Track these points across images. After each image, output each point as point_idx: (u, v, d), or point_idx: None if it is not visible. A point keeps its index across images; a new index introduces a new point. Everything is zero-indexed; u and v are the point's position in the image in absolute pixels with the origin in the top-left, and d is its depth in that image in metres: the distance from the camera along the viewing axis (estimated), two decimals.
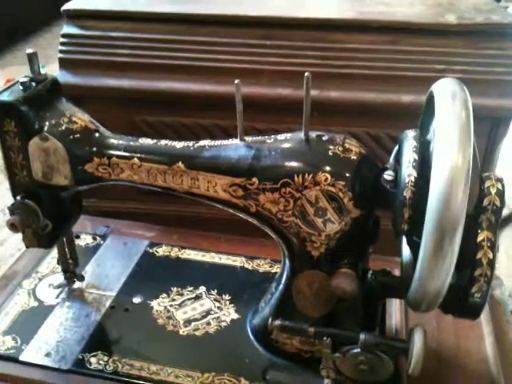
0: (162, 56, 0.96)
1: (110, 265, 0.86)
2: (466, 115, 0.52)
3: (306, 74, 0.58)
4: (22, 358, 0.70)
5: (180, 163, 0.63)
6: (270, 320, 0.66)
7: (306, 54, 0.94)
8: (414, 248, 0.58)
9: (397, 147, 0.61)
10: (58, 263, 0.81)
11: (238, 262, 0.86)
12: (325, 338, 0.63)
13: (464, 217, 0.50)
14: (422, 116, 0.64)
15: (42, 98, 0.66)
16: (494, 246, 0.56)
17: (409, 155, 0.56)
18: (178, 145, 0.65)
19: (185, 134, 0.99)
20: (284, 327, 0.65)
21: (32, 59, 0.66)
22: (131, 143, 0.66)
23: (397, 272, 0.78)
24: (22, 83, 0.65)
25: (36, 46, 2.65)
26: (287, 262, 0.66)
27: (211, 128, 0.98)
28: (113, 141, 0.66)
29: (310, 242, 0.61)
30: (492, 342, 0.71)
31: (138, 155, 0.64)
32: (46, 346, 0.72)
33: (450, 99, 0.54)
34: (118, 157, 0.65)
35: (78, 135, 0.65)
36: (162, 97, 0.96)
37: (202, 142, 0.64)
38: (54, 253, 0.83)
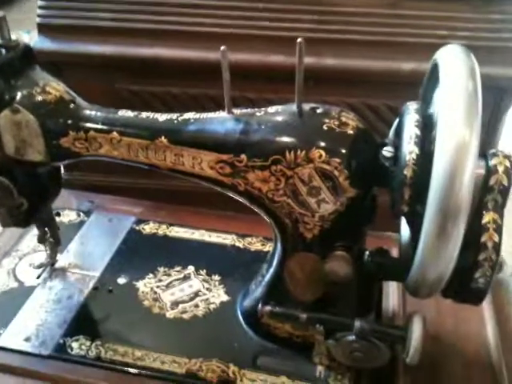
0: (146, 20, 0.90)
1: (94, 243, 0.82)
2: (473, 85, 0.48)
3: (299, 40, 0.52)
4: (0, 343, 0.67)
5: (163, 138, 0.58)
6: (259, 305, 0.62)
7: (300, 18, 0.88)
8: (415, 230, 0.54)
9: (397, 121, 0.57)
10: (39, 241, 0.77)
11: (228, 240, 0.82)
12: (318, 325, 0.59)
13: (470, 198, 0.46)
14: (424, 86, 0.59)
15: (13, 67, 0.61)
16: (499, 229, 0.52)
17: (410, 130, 0.51)
18: (161, 118, 0.60)
19: (172, 103, 0.94)
20: (275, 313, 0.61)
21: (1, 24, 0.61)
22: (110, 115, 0.61)
23: (394, 250, 0.74)
24: None
25: (21, 10, 2.56)
26: (279, 243, 0.62)
27: (200, 97, 0.93)
28: (90, 113, 0.61)
29: (302, 223, 0.57)
30: (493, 326, 0.68)
31: (118, 129, 0.60)
32: (25, 329, 0.68)
33: (455, 68, 0.49)
34: (95, 130, 0.60)
35: (52, 107, 0.60)
36: (147, 64, 0.90)
37: (187, 115, 0.59)
38: (36, 230, 0.78)
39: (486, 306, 0.70)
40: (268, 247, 0.80)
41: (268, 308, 0.61)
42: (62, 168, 0.75)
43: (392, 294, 0.73)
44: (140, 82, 0.92)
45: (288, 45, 0.85)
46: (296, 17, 0.87)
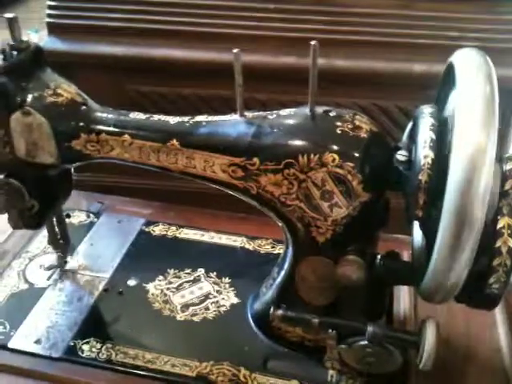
0: (158, 21, 0.90)
1: (103, 244, 0.82)
2: (491, 90, 0.47)
3: (313, 42, 0.52)
4: (10, 344, 0.67)
5: (174, 141, 0.58)
6: (271, 309, 0.62)
7: (312, 18, 0.88)
8: (429, 236, 0.53)
9: (411, 124, 0.56)
10: (49, 243, 0.77)
11: (238, 242, 0.82)
12: (330, 330, 0.59)
13: (487, 204, 0.45)
14: (438, 90, 0.58)
15: (25, 68, 0.61)
16: None
17: (425, 134, 0.51)
18: (173, 120, 0.60)
19: (182, 105, 0.93)
20: (287, 317, 0.61)
21: (12, 25, 0.60)
22: (121, 118, 0.61)
23: (405, 254, 0.74)
24: (2, 51, 0.60)
25: (28, 9, 2.56)
26: (290, 247, 0.62)
27: (211, 99, 0.93)
28: (101, 115, 0.61)
29: (315, 227, 0.57)
30: (506, 331, 0.67)
31: (129, 131, 0.59)
32: (36, 332, 0.68)
33: (472, 72, 0.49)
34: (107, 133, 0.60)
35: (64, 109, 0.60)
36: (158, 65, 0.90)
37: (199, 118, 0.59)
38: (46, 231, 0.78)
39: (499, 311, 0.70)
40: (278, 249, 0.80)
41: (280, 312, 0.61)
42: (72, 169, 0.75)
43: (403, 297, 0.72)
44: (151, 83, 0.91)
45: (300, 46, 0.85)
46: (308, 18, 0.87)
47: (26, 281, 0.76)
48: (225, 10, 0.89)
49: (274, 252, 0.80)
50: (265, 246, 0.81)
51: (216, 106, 0.92)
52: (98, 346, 0.67)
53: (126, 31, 0.89)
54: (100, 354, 0.66)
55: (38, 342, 0.67)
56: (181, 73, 0.90)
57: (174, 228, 0.85)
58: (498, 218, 0.51)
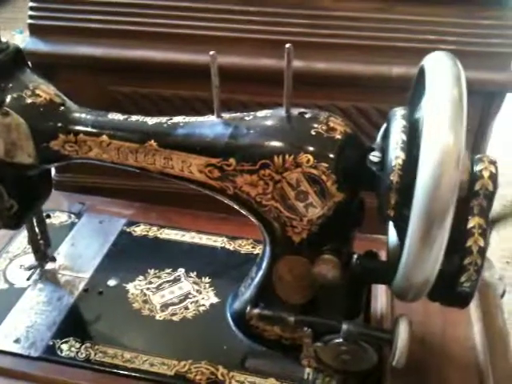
0: (137, 22, 0.90)
1: (84, 245, 0.82)
2: (459, 93, 0.48)
3: (287, 45, 0.53)
4: None
5: (152, 141, 0.59)
6: (248, 308, 0.62)
7: (291, 21, 0.89)
8: (401, 234, 0.54)
9: (384, 126, 0.57)
10: (29, 243, 0.77)
11: (219, 242, 0.82)
12: (305, 328, 0.60)
13: (454, 203, 0.47)
14: (411, 92, 0.59)
15: (4, 69, 0.61)
16: (485, 233, 0.52)
17: (397, 135, 0.52)
18: (151, 121, 0.60)
19: (163, 106, 0.94)
20: (263, 316, 0.62)
21: None
22: (99, 118, 0.61)
23: (383, 253, 0.75)
24: None
25: (14, 10, 2.55)
26: (268, 246, 0.63)
27: (192, 100, 0.93)
28: (79, 115, 0.61)
29: (290, 226, 0.58)
30: (480, 329, 0.69)
31: (107, 132, 0.60)
32: (15, 331, 0.69)
33: (441, 75, 0.50)
34: (85, 133, 0.60)
35: (42, 109, 0.60)
36: (139, 66, 0.90)
37: (176, 119, 0.60)
38: (26, 232, 0.78)
39: (474, 309, 0.71)
40: (258, 249, 0.81)
41: (256, 311, 0.62)
42: (53, 169, 0.75)
43: (380, 296, 0.73)
44: (132, 84, 0.92)
45: (280, 48, 0.86)
46: (287, 21, 0.88)
47: (6, 281, 0.76)
48: (205, 12, 0.90)
49: (255, 252, 0.80)
50: (245, 246, 0.82)
51: (197, 107, 0.92)
52: (77, 345, 0.67)
53: (106, 33, 0.89)
54: (79, 354, 0.66)
55: (17, 341, 0.67)
56: (161, 74, 0.90)
57: (155, 228, 0.85)
58: (469, 217, 0.52)
